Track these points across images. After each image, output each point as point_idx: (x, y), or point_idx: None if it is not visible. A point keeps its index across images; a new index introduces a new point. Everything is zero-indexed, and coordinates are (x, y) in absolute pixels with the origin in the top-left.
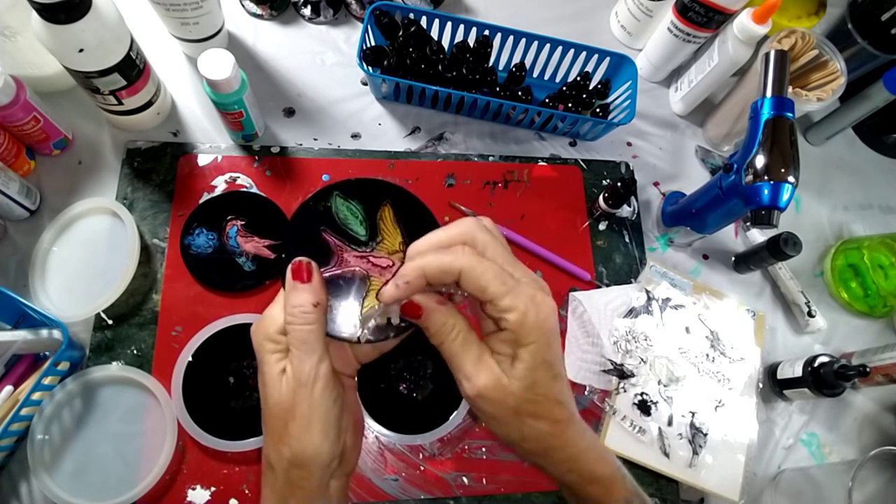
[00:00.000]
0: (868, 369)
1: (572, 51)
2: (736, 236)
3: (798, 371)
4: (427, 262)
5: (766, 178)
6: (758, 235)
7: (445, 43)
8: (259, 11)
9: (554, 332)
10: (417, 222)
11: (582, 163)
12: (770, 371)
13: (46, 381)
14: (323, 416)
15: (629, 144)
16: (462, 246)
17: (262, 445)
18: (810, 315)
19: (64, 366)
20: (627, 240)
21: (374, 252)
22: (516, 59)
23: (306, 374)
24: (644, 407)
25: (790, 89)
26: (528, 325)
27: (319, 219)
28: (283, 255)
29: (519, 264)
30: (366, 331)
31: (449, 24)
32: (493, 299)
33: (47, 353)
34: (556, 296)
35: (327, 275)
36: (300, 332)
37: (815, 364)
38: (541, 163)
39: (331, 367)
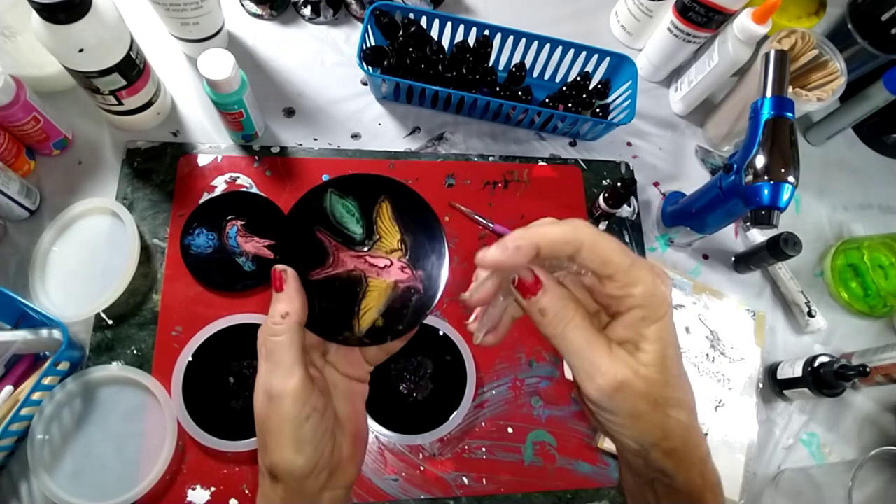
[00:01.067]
0: (868, 369)
1: (572, 51)
2: (736, 236)
3: (798, 371)
4: (546, 231)
5: (766, 178)
6: (758, 235)
7: (445, 43)
8: (259, 11)
9: (670, 307)
10: (417, 218)
11: (582, 163)
12: (770, 371)
13: (46, 381)
14: (293, 432)
15: (629, 144)
16: (579, 219)
17: None
18: (810, 315)
19: (64, 366)
20: (627, 240)
21: (371, 251)
22: (516, 59)
23: (275, 387)
24: None
25: (790, 89)
26: (658, 296)
27: (314, 218)
28: (278, 258)
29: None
30: (360, 333)
31: (449, 24)
32: (618, 272)
33: (47, 353)
34: None
35: (322, 276)
36: (269, 344)
37: (815, 364)
38: (541, 163)
39: (302, 381)
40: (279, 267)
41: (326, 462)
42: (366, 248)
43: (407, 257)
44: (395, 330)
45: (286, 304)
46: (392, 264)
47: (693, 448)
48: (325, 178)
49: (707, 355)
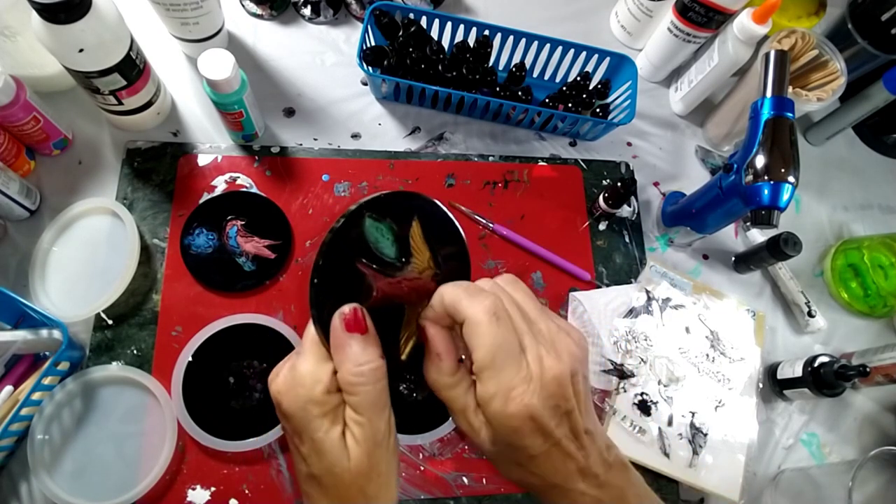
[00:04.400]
0: (868, 369)
1: (572, 51)
2: (736, 236)
3: (798, 371)
4: (447, 292)
5: (766, 178)
6: (758, 235)
7: (445, 43)
8: (259, 11)
9: (525, 427)
10: (442, 232)
11: (582, 163)
12: (770, 371)
13: (46, 381)
14: (396, 467)
15: (629, 144)
16: (488, 291)
17: None
18: (810, 315)
19: (64, 366)
20: (627, 240)
21: (407, 275)
22: (516, 59)
23: (382, 432)
24: (644, 407)
25: (790, 89)
26: (490, 409)
27: (353, 248)
28: (319, 301)
29: (541, 319)
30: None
31: (449, 24)
32: (475, 363)
33: (47, 353)
34: (556, 296)
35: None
36: (373, 393)
37: (815, 364)
38: (541, 163)
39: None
40: (355, 306)
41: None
42: (401, 273)
43: (439, 275)
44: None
45: (378, 344)
46: (425, 284)
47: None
48: (325, 177)
49: (707, 355)
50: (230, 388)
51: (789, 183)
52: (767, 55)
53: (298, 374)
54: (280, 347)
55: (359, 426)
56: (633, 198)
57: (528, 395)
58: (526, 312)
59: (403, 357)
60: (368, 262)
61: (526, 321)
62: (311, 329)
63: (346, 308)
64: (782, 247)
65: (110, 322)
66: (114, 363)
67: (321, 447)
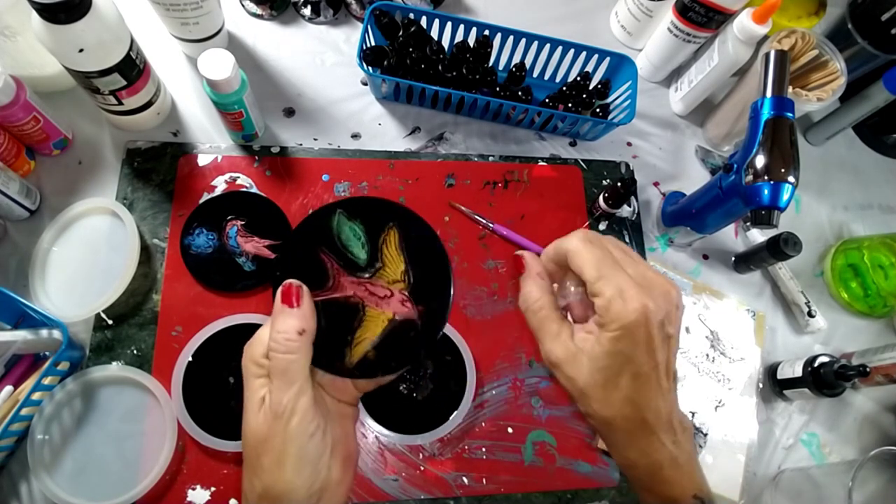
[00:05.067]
0: (868, 369)
1: (572, 51)
2: (736, 236)
3: (798, 371)
4: (554, 242)
5: (766, 178)
6: (758, 235)
7: (445, 43)
8: (259, 11)
9: (640, 330)
10: (424, 250)
11: (582, 163)
12: (770, 371)
13: (46, 381)
14: (297, 452)
15: (629, 144)
16: (580, 230)
17: (242, 470)
18: (810, 315)
19: (64, 366)
20: (627, 240)
21: (373, 280)
22: (516, 59)
23: (283, 406)
24: None
25: (790, 89)
26: (610, 312)
27: (319, 237)
28: (278, 273)
29: (642, 265)
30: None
31: (449, 24)
32: (588, 281)
33: (47, 353)
34: None
35: (320, 299)
36: (281, 361)
37: (815, 364)
38: (541, 163)
39: (311, 399)
40: (293, 282)
41: (320, 485)
42: (367, 276)
43: (409, 290)
44: (386, 365)
45: (301, 320)
46: (393, 295)
47: (629, 451)
48: (324, 178)
49: (707, 355)
50: (230, 388)
51: (789, 183)
52: (767, 55)
53: (255, 336)
54: None
55: (269, 393)
56: (633, 198)
57: (643, 295)
58: (619, 247)
59: (352, 360)
60: (331, 253)
61: (622, 255)
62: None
63: (287, 281)
64: (782, 247)
65: (110, 322)
66: (114, 363)
67: (246, 404)
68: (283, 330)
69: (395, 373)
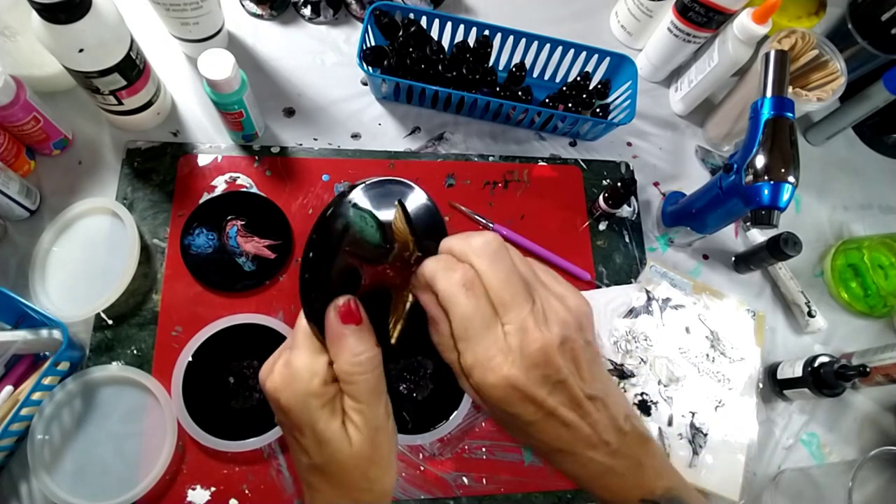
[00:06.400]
0: (868, 369)
1: (572, 51)
2: (736, 236)
3: (798, 371)
4: (428, 266)
5: (766, 178)
6: (758, 235)
7: (445, 43)
8: (259, 11)
9: (511, 398)
10: (425, 217)
11: (582, 163)
12: (770, 371)
13: (46, 381)
14: (395, 450)
15: (629, 144)
16: (481, 237)
17: (316, 500)
18: (810, 315)
19: (64, 366)
20: (627, 240)
21: (391, 262)
22: (516, 59)
23: (381, 418)
24: (644, 407)
25: (790, 89)
26: (473, 379)
27: (340, 239)
28: (310, 295)
29: (542, 290)
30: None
31: (449, 24)
32: (454, 336)
33: (47, 353)
34: None
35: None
36: (370, 380)
37: (815, 364)
38: (541, 163)
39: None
40: (349, 299)
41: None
42: (388, 259)
43: (420, 257)
44: (420, 334)
45: (371, 333)
46: (409, 268)
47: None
48: (325, 178)
49: (707, 355)
50: (230, 388)
51: (789, 183)
52: (767, 55)
53: (295, 369)
54: None
55: (359, 413)
56: (633, 198)
57: (506, 365)
58: (509, 283)
59: (393, 341)
60: (355, 252)
61: (509, 291)
62: (302, 323)
63: (341, 300)
64: (782, 247)
65: (110, 322)
66: (114, 363)
67: (323, 437)
68: (360, 350)
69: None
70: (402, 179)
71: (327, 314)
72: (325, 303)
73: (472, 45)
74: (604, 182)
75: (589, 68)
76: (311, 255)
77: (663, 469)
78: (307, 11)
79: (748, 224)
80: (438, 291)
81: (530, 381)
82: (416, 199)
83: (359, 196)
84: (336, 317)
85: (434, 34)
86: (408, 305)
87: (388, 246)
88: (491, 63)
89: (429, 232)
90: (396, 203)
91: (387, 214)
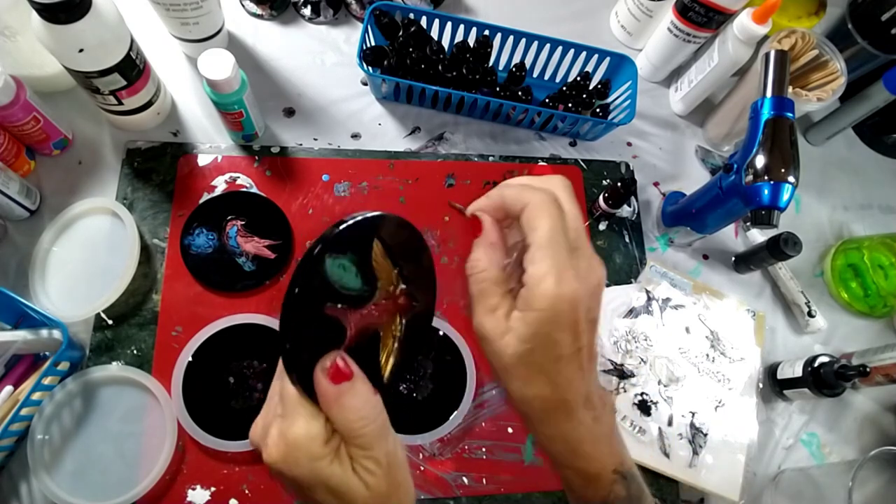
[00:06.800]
0: (868, 369)
1: (572, 51)
2: (736, 236)
3: (798, 371)
4: (512, 186)
5: (766, 178)
6: (758, 235)
7: (445, 43)
8: (259, 11)
9: (567, 314)
10: (402, 242)
11: (582, 163)
12: (770, 371)
13: (46, 381)
14: (407, 465)
15: (629, 144)
16: (546, 189)
17: None
18: (810, 315)
19: (64, 366)
20: (627, 240)
21: (376, 301)
22: (516, 59)
23: (391, 453)
24: (644, 407)
25: (790, 89)
26: (540, 289)
27: (319, 296)
28: (295, 360)
29: (582, 241)
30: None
31: (449, 24)
32: (532, 245)
33: (47, 353)
34: None
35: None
36: (374, 430)
37: (815, 364)
38: (541, 163)
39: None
40: (336, 358)
41: None
42: (372, 301)
43: (403, 285)
44: (412, 361)
45: (365, 383)
46: (394, 300)
47: (550, 436)
48: (325, 178)
49: (707, 355)
50: (230, 388)
51: (789, 183)
52: (767, 55)
53: (292, 440)
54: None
55: (370, 460)
56: (633, 198)
57: (577, 281)
58: (578, 218)
59: (386, 379)
60: (336, 303)
61: (579, 222)
62: (289, 389)
63: (327, 361)
64: (782, 247)
65: (110, 322)
66: (114, 363)
67: (338, 490)
68: (360, 405)
69: (418, 360)
70: (374, 212)
71: (316, 379)
72: (311, 365)
73: (472, 45)
74: (604, 182)
75: (589, 68)
76: (289, 320)
77: (624, 443)
78: (307, 11)
79: (748, 224)
80: (529, 203)
81: (582, 307)
82: (394, 226)
83: (332, 244)
84: (326, 379)
85: (434, 34)
86: (397, 335)
87: (371, 286)
88: (491, 63)
89: (410, 254)
90: (375, 239)
91: (365, 253)
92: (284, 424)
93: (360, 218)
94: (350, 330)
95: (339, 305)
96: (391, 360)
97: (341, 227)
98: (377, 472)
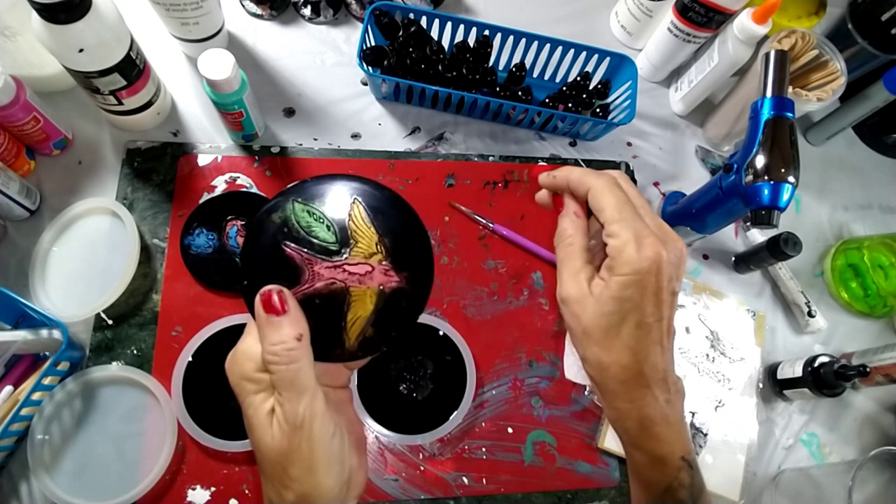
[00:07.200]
0: (868, 369)
1: (572, 51)
2: (736, 236)
3: (798, 371)
4: (575, 171)
5: (766, 178)
6: (758, 235)
7: (445, 43)
8: (259, 11)
9: (651, 279)
10: (394, 216)
11: (582, 163)
12: (770, 371)
13: (46, 381)
14: (325, 455)
15: (629, 144)
16: (606, 173)
17: (262, 485)
18: (810, 315)
19: (64, 366)
20: None
21: (349, 259)
22: (516, 59)
23: (300, 416)
24: None
25: (790, 89)
26: (623, 255)
27: (278, 233)
28: (245, 283)
29: (655, 217)
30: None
31: (449, 24)
32: (606, 222)
33: (47, 353)
34: (556, 296)
35: (300, 295)
36: (287, 373)
37: (815, 364)
38: (541, 163)
39: (324, 401)
40: (272, 288)
41: (346, 475)
42: (343, 257)
43: (389, 259)
44: (387, 336)
45: (295, 325)
46: (374, 269)
47: (622, 406)
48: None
49: (707, 355)
50: (230, 388)
51: (789, 183)
52: (767, 55)
53: (238, 352)
54: None
55: (279, 406)
56: None
57: (658, 245)
58: (640, 196)
59: (351, 343)
60: (298, 246)
61: (642, 199)
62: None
63: (264, 289)
64: (782, 247)
65: (110, 322)
66: (114, 363)
67: (251, 422)
68: (278, 341)
69: (397, 342)
70: (365, 178)
71: (255, 302)
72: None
73: (472, 45)
74: None
75: (589, 68)
76: (247, 246)
77: (689, 443)
78: (307, 11)
79: (748, 224)
80: (592, 186)
81: (665, 275)
82: (388, 198)
83: (303, 190)
84: (260, 305)
85: (434, 34)
86: (372, 306)
87: (343, 244)
88: (491, 63)
89: (401, 233)
90: (354, 201)
91: (340, 210)
92: (242, 338)
93: (335, 174)
94: (313, 278)
95: (305, 251)
96: (359, 328)
97: (318, 178)
98: (283, 426)
